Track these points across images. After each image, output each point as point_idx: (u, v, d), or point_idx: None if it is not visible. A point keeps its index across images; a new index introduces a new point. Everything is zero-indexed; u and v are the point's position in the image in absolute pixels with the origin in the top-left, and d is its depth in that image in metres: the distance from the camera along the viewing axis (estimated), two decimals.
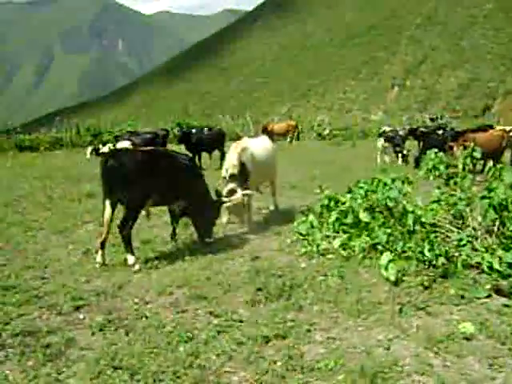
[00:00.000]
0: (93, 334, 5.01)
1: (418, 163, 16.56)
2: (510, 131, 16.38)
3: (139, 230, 8.35)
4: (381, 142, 19.71)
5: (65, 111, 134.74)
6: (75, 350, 4.66)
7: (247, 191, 8.58)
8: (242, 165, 8.72)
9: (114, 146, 17.91)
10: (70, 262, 7.40)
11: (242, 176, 8.68)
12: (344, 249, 7.10)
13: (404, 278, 6.02)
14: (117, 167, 7.03)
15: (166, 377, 4.06)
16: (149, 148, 8.19)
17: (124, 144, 17.82)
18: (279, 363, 4.23)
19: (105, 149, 18.26)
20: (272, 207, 10.77)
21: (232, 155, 8.83)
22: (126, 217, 7.13)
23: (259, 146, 9.78)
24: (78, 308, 5.65)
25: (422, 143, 18.57)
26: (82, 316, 5.46)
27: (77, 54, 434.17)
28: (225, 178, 8.84)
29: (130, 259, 7.03)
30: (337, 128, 41.53)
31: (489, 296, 5.60)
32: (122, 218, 7.13)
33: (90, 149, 19.29)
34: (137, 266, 6.94)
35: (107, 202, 7.18)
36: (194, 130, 19.38)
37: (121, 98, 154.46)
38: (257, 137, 11.58)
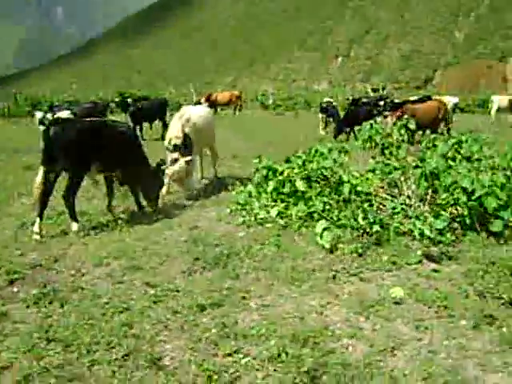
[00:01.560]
0: (27, 307, 4.94)
1: (336, 135, 16.91)
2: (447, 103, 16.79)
3: (77, 201, 8.21)
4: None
5: (1, 81, 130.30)
6: (9, 324, 4.59)
7: (189, 157, 8.57)
8: (185, 135, 8.74)
9: (52, 116, 17.45)
10: (5, 236, 7.24)
11: (185, 146, 8.68)
12: (281, 217, 7.19)
13: (339, 246, 6.14)
14: (60, 135, 7.11)
15: (100, 347, 4.06)
16: (90, 118, 8.17)
17: (63, 114, 17.43)
18: (213, 331, 4.28)
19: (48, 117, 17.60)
20: (212, 176, 10.79)
21: (175, 126, 8.85)
22: (70, 184, 7.24)
23: (200, 114, 9.81)
24: (12, 282, 5.54)
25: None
26: (16, 289, 5.36)
27: (12, 22, 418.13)
28: (168, 148, 8.86)
29: (74, 226, 7.14)
30: (280, 98, 41.63)
31: (420, 262, 5.79)
32: (66, 186, 7.22)
33: (39, 114, 18.14)
34: (82, 233, 7.04)
35: (41, 171, 7.18)
36: (129, 100, 19.12)
37: (61, 67, 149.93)
38: (195, 105, 11.60)
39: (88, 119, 8.06)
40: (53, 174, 7.22)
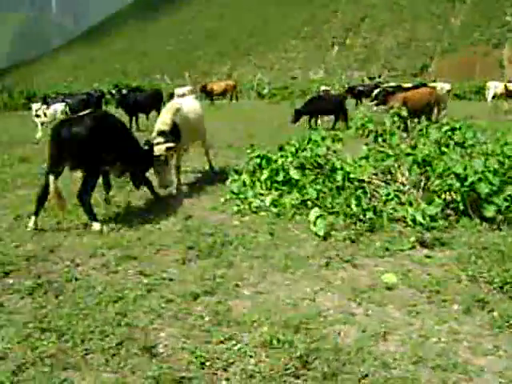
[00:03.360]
0: (22, 298, 4.96)
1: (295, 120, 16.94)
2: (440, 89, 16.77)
3: (73, 194, 8.22)
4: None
5: None
6: (3, 315, 4.60)
7: (171, 144, 8.55)
8: (175, 125, 8.74)
9: (47, 108, 17.42)
10: (0, 228, 7.25)
11: (172, 135, 8.68)
12: (275, 206, 7.21)
13: (332, 233, 6.19)
14: (71, 137, 6.86)
15: (94, 336, 4.08)
16: (90, 111, 8.02)
17: (58, 106, 17.42)
18: (206, 318, 4.32)
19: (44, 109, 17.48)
20: (207, 167, 10.80)
21: (164, 114, 8.87)
22: (86, 184, 7.01)
23: (190, 107, 9.82)
24: (7, 273, 5.55)
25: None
26: (11, 281, 5.37)
27: (8, 13, 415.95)
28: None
29: (96, 225, 6.89)
30: (276, 87, 41.57)
31: (413, 248, 5.83)
32: (82, 186, 6.99)
33: (37, 105, 17.92)
34: (105, 229, 6.83)
35: (52, 179, 6.90)
36: (124, 91, 19.06)
37: (56, 59, 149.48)
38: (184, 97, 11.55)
39: (91, 113, 7.82)
40: (59, 175, 7.04)
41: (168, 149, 8.46)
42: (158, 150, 8.37)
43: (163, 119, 8.84)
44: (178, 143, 8.81)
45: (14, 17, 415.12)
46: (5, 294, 5.06)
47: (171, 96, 25.01)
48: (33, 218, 7.05)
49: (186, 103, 9.88)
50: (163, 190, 8.85)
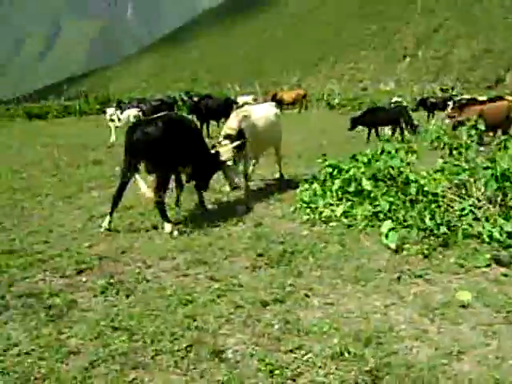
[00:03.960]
0: (94, 296, 5.09)
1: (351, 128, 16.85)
2: None
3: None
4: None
5: (73, 79, 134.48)
6: (76, 312, 4.74)
7: (237, 143, 8.60)
8: (240, 131, 8.81)
9: (120, 113, 17.91)
10: (75, 227, 7.47)
11: (238, 140, 8.76)
12: (346, 217, 7.13)
13: (404, 247, 6.05)
14: (144, 139, 7.03)
15: (164, 338, 4.14)
16: (164, 114, 8.15)
17: (132, 111, 17.87)
18: (276, 326, 4.29)
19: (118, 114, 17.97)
20: (277, 175, 10.81)
21: (232, 120, 8.99)
22: (159, 185, 7.11)
23: (261, 114, 9.80)
24: (80, 271, 5.73)
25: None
26: (84, 279, 5.53)
27: (85, 21, 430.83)
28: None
29: (167, 227, 7.00)
30: (346, 98, 41.24)
31: (488, 265, 5.61)
32: (155, 188, 7.08)
33: (111, 110, 18.39)
34: (175, 233, 6.92)
35: (127, 175, 7.18)
36: (195, 98, 19.36)
37: (130, 66, 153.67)
38: (260, 104, 11.60)
39: (165, 115, 7.92)
40: (132, 175, 7.19)
41: (235, 149, 8.53)
42: (225, 151, 8.44)
43: (230, 124, 9.01)
44: (243, 148, 8.88)
45: (90, 25, 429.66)
46: (78, 292, 5.21)
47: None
48: (107, 218, 7.22)
49: (256, 110, 9.89)
50: (236, 191, 9.02)
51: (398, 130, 17.19)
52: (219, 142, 8.73)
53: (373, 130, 17.26)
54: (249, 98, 27.78)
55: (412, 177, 6.94)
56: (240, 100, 26.55)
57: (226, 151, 8.43)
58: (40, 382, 3.62)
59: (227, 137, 8.77)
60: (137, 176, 7.11)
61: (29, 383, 3.62)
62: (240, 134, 8.84)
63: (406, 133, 16.97)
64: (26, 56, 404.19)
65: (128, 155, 7.20)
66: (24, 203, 9.03)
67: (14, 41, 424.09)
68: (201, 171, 8.18)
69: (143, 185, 7.02)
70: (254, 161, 10.21)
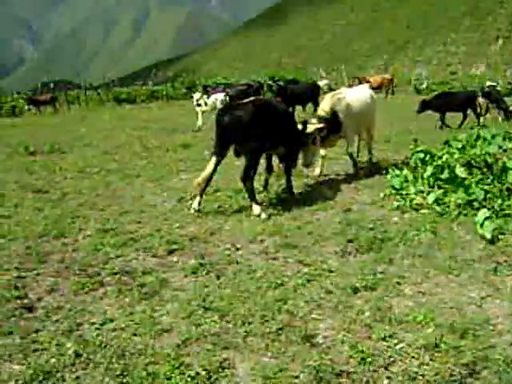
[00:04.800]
0: (185, 276, 5.19)
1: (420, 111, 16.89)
2: None
3: (232, 180, 8.47)
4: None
5: (160, 65, 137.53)
6: (168, 291, 4.84)
7: (320, 125, 8.52)
8: (334, 113, 8.74)
9: (207, 97, 18.12)
10: (165, 209, 7.65)
11: (330, 122, 8.73)
12: (438, 204, 6.91)
13: (501, 237, 5.81)
14: (235, 122, 7.16)
15: (255, 320, 4.16)
16: (253, 98, 8.22)
17: (219, 96, 18.06)
18: (367, 313, 4.22)
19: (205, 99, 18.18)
20: (365, 158, 10.61)
21: (326, 102, 9.02)
22: (248, 167, 7.23)
23: (356, 96, 9.69)
24: (171, 251, 5.86)
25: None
26: (175, 259, 5.66)
27: (172, 8, 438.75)
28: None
29: (256, 209, 7.08)
30: (434, 82, 40.04)
31: None
32: (244, 170, 7.22)
33: (198, 95, 18.58)
34: (263, 215, 6.97)
35: (213, 161, 7.29)
36: (281, 83, 19.34)
37: (214, 51, 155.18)
38: (355, 87, 11.46)
39: (255, 99, 7.99)
40: (222, 158, 7.36)
41: (318, 130, 8.45)
42: (309, 128, 8.38)
43: (323, 106, 9.02)
44: (339, 132, 8.83)
45: (176, 11, 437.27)
46: (170, 271, 5.32)
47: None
48: (197, 199, 7.33)
49: (351, 93, 9.81)
50: (305, 168, 8.98)
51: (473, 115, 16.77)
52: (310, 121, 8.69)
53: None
54: (324, 83, 27.54)
55: (510, 164, 6.64)
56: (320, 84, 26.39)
57: (310, 128, 8.41)
58: (135, 358, 3.71)
59: (319, 118, 8.72)
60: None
61: (124, 357, 3.72)
62: (334, 116, 8.78)
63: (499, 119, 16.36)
64: (115, 43, 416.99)
65: (218, 139, 7.30)
66: (115, 184, 9.33)
67: (103, 29, 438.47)
68: (292, 153, 8.20)
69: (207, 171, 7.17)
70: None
